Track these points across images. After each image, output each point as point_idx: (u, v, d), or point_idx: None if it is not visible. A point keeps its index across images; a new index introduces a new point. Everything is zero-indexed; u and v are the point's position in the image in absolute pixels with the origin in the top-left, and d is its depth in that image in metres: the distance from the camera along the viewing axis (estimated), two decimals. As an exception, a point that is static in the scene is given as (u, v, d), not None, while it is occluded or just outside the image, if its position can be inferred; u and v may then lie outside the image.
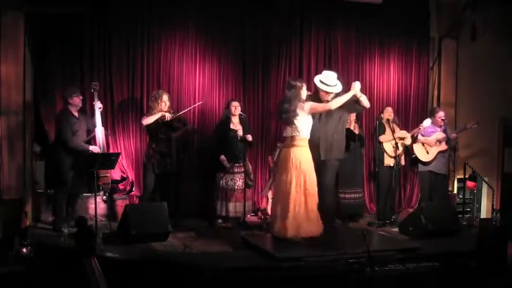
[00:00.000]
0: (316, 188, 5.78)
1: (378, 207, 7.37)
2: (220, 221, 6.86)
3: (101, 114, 6.56)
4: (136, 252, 5.49)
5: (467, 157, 8.12)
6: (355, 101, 6.06)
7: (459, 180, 8.15)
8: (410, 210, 7.68)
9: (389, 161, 7.28)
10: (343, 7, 7.92)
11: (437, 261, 5.31)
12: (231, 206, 6.80)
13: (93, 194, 6.15)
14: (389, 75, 8.34)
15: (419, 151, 7.29)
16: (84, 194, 6.80)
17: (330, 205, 6.19)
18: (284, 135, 5.96)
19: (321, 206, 5.92)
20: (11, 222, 5.87)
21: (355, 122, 7.22)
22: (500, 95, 8.47)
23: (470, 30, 8.08)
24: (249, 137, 6.91)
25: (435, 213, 6.53)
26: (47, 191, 6.89)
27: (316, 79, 6.11)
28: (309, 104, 5.79)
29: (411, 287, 5.11)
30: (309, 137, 5.84)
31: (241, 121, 6.94)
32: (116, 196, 7.06)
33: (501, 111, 8.57)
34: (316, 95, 6.14)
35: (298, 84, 5.82)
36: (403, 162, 7.48)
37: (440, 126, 7.34)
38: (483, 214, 8.18)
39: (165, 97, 6.62)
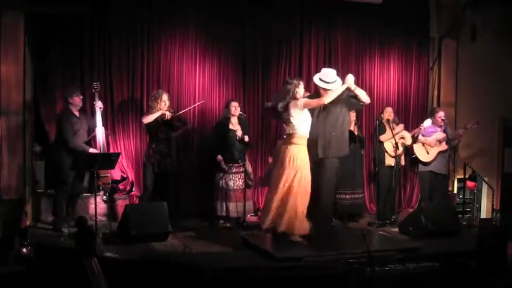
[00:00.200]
0: (308, 188, 5.75)
1: (378, 207, 7.37)
2: (221, 221, 6.85)
3: (101, 114, 6.55)
4: (136, 252, 5.49)
5: (467, 157, 8.12)
6: (352, 96, 6.04)
7: (459, 180, 8.15)
8: (410, 210, 7.68)
9: (389, 161, 7.28)
10: (343, 7, 7.92)
11: (437, 261, 5.31)
12: (231, 206, 6.79)
13: (93, 194, 6.15)
14: (389, 75, 8.35)
15: (419, 151, 7.29)
16: (84, 194, 6.80)
17: (326, 205, 6.17)
18: (284, 132, 5.97)
19: (317, 205, 5.91)
20: (11, 222, 5.88)
21: (354, 123, 7.22)
22: (500, 95, 8.48)
23: (470, 30, 8.08)
24: (246, 138, 6.91)
25: (435, 213, 6.53)
26: (47, 191, 6.88)
27: (316, 77, 6.10)
28: (303, 100, 5.76)
29: (411, 287, 5.11)
30: (308, 135, 5.83)
31: (241, 121, 6.93)
32: (116, 196, 7.05)
33: (501, 111, 8.57)
34: (317, 95, 6.13)
35: (295, 82, 5.81)
36: (403, 162, 7.48)
37: (441, 127, 7.33)
38: (483, 214, 8.18)
39: (165, 97, 6.62)
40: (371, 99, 6.38)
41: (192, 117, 7.38)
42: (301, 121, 5.74)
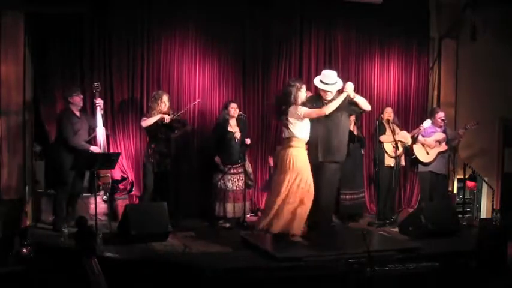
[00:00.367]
0: (310, 190, 5.77)
1: (378, 207, 7.37)
2: (221, 221, 6.85)
3: (101, 114, 6.55)
4: (136, 252, 5.49)
5: (467, 157, 8.12)
6: (351, 103, 6.06)
7: (459, 180, 8.15)
8: (410, 210, 7.68)
9: (389, 161, 7.28)
10: (343, 7, 7.92)
11: (437, 261, 5.31)
12: (230, 206, 6.79)
13: (93, 194, 6.15)
14: (389, 75, 8.35)
15: (419, 152, 7.29)
16: (84, 194, 6.81)
17: (326, 206, 6.17)
18: (282, 136, 5.98)
19: (317, 206, 5.92)
20: (11, 222, 5.88)
21: (354, 123, 7.22)
22: (500, 95, 8.48)
23: (470, 30, 8.08)
24: (248, 141, 6.92)
25: (435, 213, 6.53)
26: (47, 191, 6.89)
27: (316, 80, 6.12)
28: (303, 110, 5.79)
29: (411, 287, 5.12)
30: (307, 139, 5.85)
31: (241, 122, 6.93)
32: (116, 196, 7.05)
33: (501, 111, 8.57)
34: (317, 96, 6.15)
35: (297, 84, 5.82)
36: (403, 163, 7.48)
37: (440, 127, 7.33)
38: (483, 214, 8.18)
39: (165, 98, 6.61)
40: (371, 100, 6.42)
41: (191, 118, 7.38)
42: (300, 126, 5.76)
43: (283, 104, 5.82)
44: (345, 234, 6.56)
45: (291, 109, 5.76)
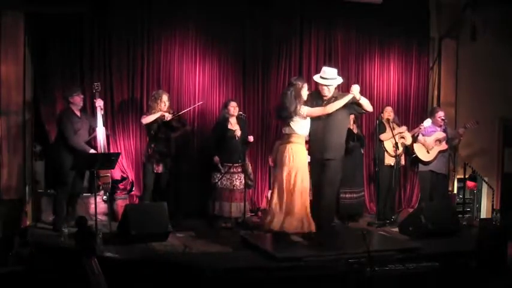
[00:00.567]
0: (307, 186, 5.79)
1: (378, 207, 7.37)
2: (220, 221, 6.84)
3: (102, 114, 6.55)
4: (136, 252, 5.49)
5: (467, 157, 8.12)
6: (354, 103, 6.08)
7: (459, 180, 8.15)
8: (410, 210, 7.68)
9: (389, 160, 7.28)
10: (343, 7, 7.92)
11: (437, 261, 5.31)
12: (229, 206, 6.78)
13: (93, 194, 6.15)
14: (389, 75, 8.34)
15: (419, 151, 7.29)
16: (84, 194, 6.81)
17: (328, 205, 6.19)
18: (283, 131, 5.99)
19: (318, 205, 5.93)
20: (11, 222, 5.88)
21: (353, 122, 7.22)
22: (500, 95, 8.48)
23: (470, 30, 8.08)
24: (251, 138, 6.92)
25: (435, 213, 6.53)
26: (47, 191, 6.89)
27: (316, 76, 6.21)
28: (305, 110, 5.85)
29: (411, 287, 5.12)
30: (306, 135, 5.88)
31: (240, 121, 6.93)
32: (116, 196, 7.06)
33: (501, 111, 8.57)
34: (316, 93, 6.17)
35: (299, 83, 5.84)
36: (403, 162, 7.48)
37: (440, 126, 7.34)
38: (483, 214, 8.19)
39: (165, 97, 6.61)
40: (371, 99, 6.44)
41: (191, 118, 7.38)
42: (301, 123, 5.78)
43: (288, 103, 5.81)
44: (345, 234, 6.55)
45: (296, 110, 5.78)
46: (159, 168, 6.58)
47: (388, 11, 8.02)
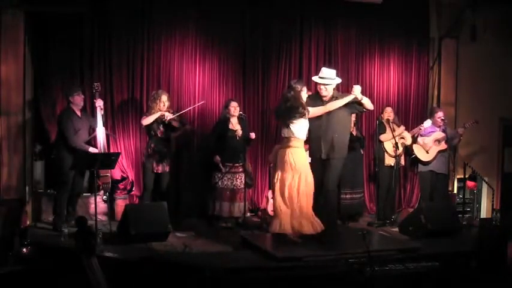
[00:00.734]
0: (311, 188, 5.80)
1: (378, 207, 7.37)
2: (220, 221, 6.85)
3: (102, 114, 6.55)
4: (136, 252, 5.49)
5: (467, 157, 8.12)
6: (356, 102, 6.09)
7: (459, 180, 8.15)
8: (410, 210, 7.68)
9: (389, 161, 7.28)
10: (343, 7, 7.92)
11: (437, 261, 5.31)
12: (230, 206, 6.79)
13: (93, 193, 6.15)
14: (389, 75, 8.34)
15: (419, 151, 7.29)
16: (84, 194, 6.82)
17: (332, 205, 6.20)
18: (282, 135, 5.99)
19: (322, 206, 5.93)
20: (11, 222, 5.87)
21: (353, 124, 7.21)
22: (500, 95, 8.48)
23: (470, 30, 8.09)
24: (252, 135, 6.93)
25: (435, 213, 6.54)
26: (47, 191, 6.89)
27: (315, 77, 6.23)
28: (308, 110, 5.84)
29: (411, 287, 5.12)
30: (305, 139, 5.90)
31: (241, 121, 6.93)
32: (116, 196, 7.06)
33: (501, 111, 8.57)
34: (316, 95, 6.18)
35: (298, 87, 5.85)
36: (403, 162, 7.49)
37: (440, 126, 7.33)
38: (483, 214, 8.19)
39: (164, 97, 6.60)
40: (371, 99, 6.40)
41: (192, 118, 7.38)
42: (300, 126, 5.78)
43: (291, 106, 5.81)
44: (345, 234, 6.55)
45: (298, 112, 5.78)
46: (159, 168, 6.58)
47: (388, 11, 8.02)
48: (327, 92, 6.09)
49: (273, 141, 7.73)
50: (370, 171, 8.09)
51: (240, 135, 6.80)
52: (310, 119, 5.89)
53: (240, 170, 6.85)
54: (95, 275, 3.58)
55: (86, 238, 3.69)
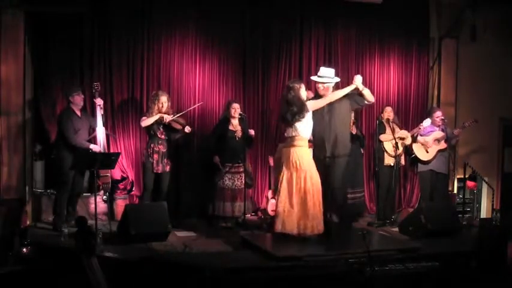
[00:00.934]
0: (318, 187, 5.79)
1: (378, 207, 7.37)
2: (220, 221, 6.85)
3: (101, 114, 6.55)
4: (136, 252, 5.49)
5: (467, 157, 8.12)
6: (357, 94, 6.12)
7: (459, 180, 8.15)
8: (410, 210, 7.68)
9: (389, 160, 7.29)
10: (343, 7, 7.92)
11: (437, 261, 5.31)
12: (230, 206, 6.80)
13: (93, 193, 6.15)
14: (389, 75, 8.34)
15: (418, 150, 7.29)
16: (84, 194, 6.82)
17: (343, 202, 6.24)
18: (285, 135, 5.99)
19: (331, 205, 5.94)
20: (11, 222, 5.87)
21: (353, 123, 7.22)
22: (500, 95, 8.48)
23: (470, 30, 8.09)
24: (252, 132, 6.92)
25: (435, 213, 6.54)
26: (47, 191, 6.89)
27: (314, 76, 6.26)
28: (309, 103, 5.88)
29: (411, 287, 5.12)
30: (309, 137, 5.89)
31: (241, 121, 6.93)
32: (116, 196, 7.06)
33: (501, 111, 8.57)
34: (317, 96, 6.19)
35: (296, 85, 5.85)
36: (403, 162, 7.49)
37: (439, 126, 7.34)
38: (483, 214, 8.19)
39: (163, 98, 6.59)
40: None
41: (192, 118, 7.38)
42: (305, 125, 5.78)
43: (289, 106, 5.82)
44: (345, 234, 6.55)
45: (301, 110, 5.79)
46: (159, 168, 6.58)
47: (388, 11, 8.02)
48: (325, 91, 6.10)
49: (273, 141, 7.75)
50: (370, 171, 8.09)
51: (240, 136, 6.80)
52: (312, 118, 5.90)
53: (240, 170, 6.86)
54: (95, 275, 3.58)
55: (86, 238, 3.69)
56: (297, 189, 5.72)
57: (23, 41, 6.62)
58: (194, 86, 7.49)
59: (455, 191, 8.22)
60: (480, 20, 8.09)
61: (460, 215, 7.31)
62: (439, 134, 7.29)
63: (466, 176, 7.83)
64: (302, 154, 5.78)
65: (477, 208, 8.17)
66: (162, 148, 6.60)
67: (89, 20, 6.98)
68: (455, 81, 8.51)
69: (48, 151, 6.93)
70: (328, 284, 5.00)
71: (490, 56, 8.40)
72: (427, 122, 7.27)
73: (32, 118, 6.90)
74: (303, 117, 5.75)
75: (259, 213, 7.49)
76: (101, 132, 6.55)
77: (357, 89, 6.07)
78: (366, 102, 6.26)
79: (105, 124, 6.69)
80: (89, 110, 6.82)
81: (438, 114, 7.34)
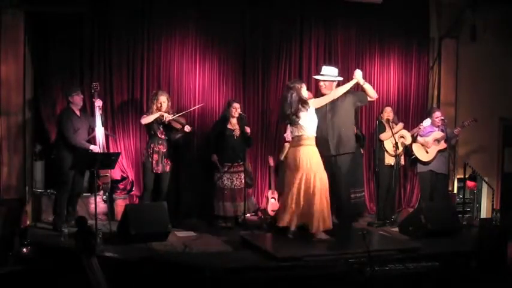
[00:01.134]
0: (326, 186, 5.80)
1: (378, 207, 7.37)
2: (221, 221, 6.85)
3: (100, 114, 6.55)
4: (136, 252, 5.49)
5: (467, 157, 8.12)
6: (361, 89, 6.15)
7: (459, 180, 8.15)
8: (410, 210, 7.68)
9: (389, 160, 7.29)
10: (343, 7, 7.92)
11: (437, 261, 5.31)
12: (228, 205, 6.79)
13: (93, 193, 6.15)
14: (389, 75, 8.34)
15: (418, 151, 7.29)
16: (84, 194, 6.82)
17: (347, 201, 6.26)
18: (291, 134, 6.00)
19: (337, 203, 5.93)
20: (11, 222, 5.87)
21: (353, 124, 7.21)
22: (500, 95, 8.48)
23: (470, 30, 8.09)
24: (247, 129, 6.92)
25: (435, 213, 6.54)
26: (47, 191, 6.89)
27: (316, 75, 6.28)
28: (312, 101, 5.92)
29: (411, 287, 5.12)
30: (315, 135, 5.89)
31: (240, 120, 6.94)
32: (115, 196, 7.06)
33: (501, 111, 8.57)
34: (321, 95, 6.20)
35: (297, 85, 5.86)
36: (403, 162, 7.49)
37: (438, 126, 7.33)
38: (483, 214, 8.19)
39: (163, 98, 6.58)
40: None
41: (192, 118, 7.37)
42: (308, 122, 5.79)
43: (291, 104, 5.82)
44: (345, 234, 6.55)
45: (299, 109, 5.78)
46: (159, 168, 6.58)
47: (388, 11, 8.02)
48: (327, 89, 6.11)
49: (273, 141, 7.75)
50: (370, 171, 8.09)
51: (238, 134, 6.81)
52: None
53: (240, 169, 6.86)
54: (95, 275, 3.58)
55: (86, 238, 3.69)
56: (306, 189, 5.73)
57: (23, 41, 6.62)
58: (194, 86, 7.49)
59: (455, 191, 8.22)
60: (480, 20, 8.09)
61: (460, 215, 7.31)
62: (438, 134, 7.29)
63: (466, 176, 7.83)
64: (309, 153, 5.79)
65: (477, 208, 8.17)
66: (162, 148, 6.60)
67: (89, 20, 6.98)
68: (455, 81, 8.51)
69: (48, 151, 6.93)
70: (328, 284, 5.00)
71: (490, 56, 8.40)
72: (427, 122, 7.27)
73: (32, 118, 6.90)
74: (297, 119, 5.75)
75: (259, 213, 7.49)
76: (100, 132, 6.55)
77: (357, 83, 6.07)
78: (369, 99, 6.27)
79: (104, 124, 6.69)
80: (89, 110, 6.81)
81: (437, 114, 7.34)
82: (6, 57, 6.55)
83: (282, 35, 7.81)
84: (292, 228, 5.78)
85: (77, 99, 6.41)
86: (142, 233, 5.77)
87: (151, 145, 6.59)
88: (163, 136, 6.63)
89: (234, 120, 6.90)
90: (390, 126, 7.21)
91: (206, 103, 7.45)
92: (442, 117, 7.34)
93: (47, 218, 6.75)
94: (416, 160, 7.34)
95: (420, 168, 7.37)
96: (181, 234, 6.35)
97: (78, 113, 6.41)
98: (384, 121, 7.38)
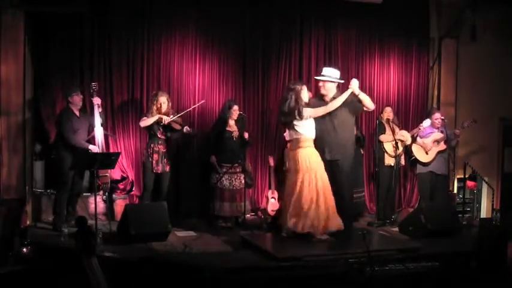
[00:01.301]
0: (328, 185, 5.81)
1: (378, 207, 7.37)
2: (221, 221, 6.85)
3: (100, 114, 6.55)
4: (136, 252, 5.49)
5: (467, 157, 8.12)
6: (356, 100, 6.08)
7: (459, 180, 8.15)
8: (410, 210, 7.68)
9: (389, 161, 7.28)
10: (343, 7, 7.92)
11: (437, 261, 5.31)
12: (226, 205, 6.79)
13: (93, 193, 6.15)
14: (389, 75, 8.34)
15: (418, 152, 7.28)
16: (84, 194, 6.82)
17: (349, 203, 6.25)
18: (289, 138, 5.98)
19: (339, 203, 5.94)
20: (11, 222, 5.87)
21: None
22: (500, 95, 8.48)
23: (470, 30, 8.09)
24: (246, 135, 6.92)
25: (435, 213, 6.54)
26: (47, 191, 6.89)
27: (317, 77, 6.23)
28: (308, 111, 5.85)
29: (411, 287, 5.12)
30: (314, 137, 5.87)
31: (240, 121, 6.93)
32: (115, 196, 7.06)
33: (501, 111, 8.57)
34: (319, 97, 6.18)
35: (297, 87, 5.85)
36: (403, 162, 7.48)
37: (438, 128, 7.33)
38: (483, 214, 8.19)
39: (162, 99, 6.58)
40: (371, 99, 6.37)
41: (192, 118, 7.37)
42: (305, 125, 5.78)
43: (288, 108, 5.82)
44: (345, 234, 6.55)
45: (296, 113, 5.77)
46: (159, 168, 6.58)
47: (388, 11, 8.03)
48: (326, 90, 6.08)
49: (273, 141, 7.75)
50: (370, 171, 8.08)
51: (236, 136, 6.82)
52: (315, 122, 5.90)
53: (238, 170, 6.86)
54: (95, 275, 3.58)
55: (86, 238, 3.69)
56: (310, 189, 5.73)
57: (23, 41, 6.62)
58: (194, 86, 7.49)
59: (455, 191, 8.22)
60: (480, 20, 8.09)
61: (460, 215, 7.31)
62: (438, 135, 7.29)
63: (466, 176, 7.83)
64: (309, 154, 5.80)
65: (477, 208, 8.17)
66: (162, 148, 6.60)
67: (89, 20, 6.98)
68: (455, 81, 8.51)
69: (48, 151, 6.93)
70: (328, 284, 5.00)
71: (490, 56, 8.41)
72: (427, 123, 7.26)
73: (32, 118, 6.90)
74: (296, 121, 5.74)
75: (259, 213, 7.49)
76: (98, 132, 6.54)
77: (353, 93, 6.03)
78: (364, 109, 6.22)
79: (104, 124, 6.68)
80: (89, 110, 6.81)
81: (437, 116, 7.33)
82: (6, 57, 6.54)
83: (282, 35, 7.81)
84: (319, 236, 5.73)
85: (76, 100, 6.40)
86: (142, 233, 5.77)
87: (151, 145, 6.59)
88: (163, 136, 6.63)
89: (232, 122, 6.90)
90: (390, 127, 7.21)
91: (206, 103, 7.44)
92: (442, 118, 7.33)
93: (47, 218, 6.75)
94: (416, 161, 7.34)
95: (420, 169, 7.36)
96: (181, 234, 6.36)
97: (77, 113, 6.41)
98: (383, 121, 7.38)
